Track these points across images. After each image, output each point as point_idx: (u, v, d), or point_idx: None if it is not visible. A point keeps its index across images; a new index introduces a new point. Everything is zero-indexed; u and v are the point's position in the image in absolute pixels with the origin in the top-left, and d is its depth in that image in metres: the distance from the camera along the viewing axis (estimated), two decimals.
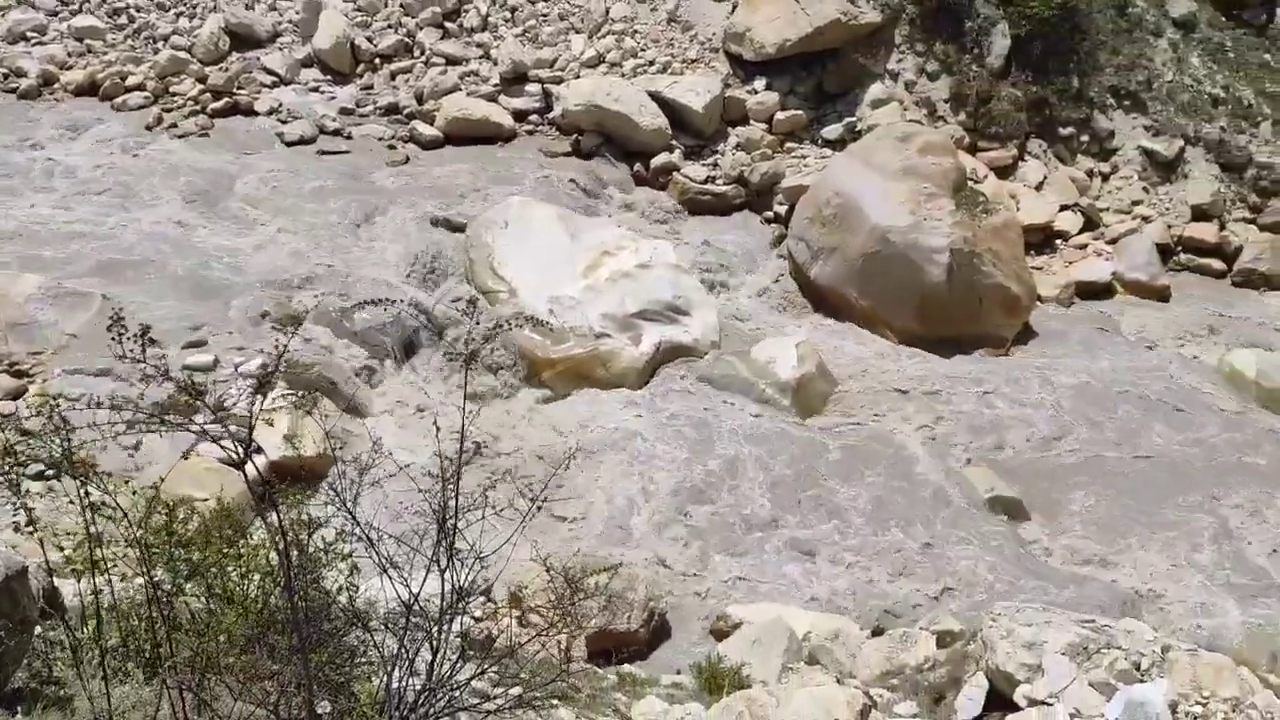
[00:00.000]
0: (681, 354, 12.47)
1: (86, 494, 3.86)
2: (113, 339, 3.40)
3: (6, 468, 4.04)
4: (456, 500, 3.48)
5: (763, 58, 16.57)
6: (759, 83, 16.62)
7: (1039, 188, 15.80)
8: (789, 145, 16.27)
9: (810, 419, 11.95)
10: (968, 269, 13.23)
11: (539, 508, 3.64)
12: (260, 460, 8.71)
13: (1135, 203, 15.85)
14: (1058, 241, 15.39)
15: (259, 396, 3.59)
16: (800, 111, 16.41)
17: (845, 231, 13.61)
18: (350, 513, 3.52)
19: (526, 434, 11.16)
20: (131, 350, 3.34)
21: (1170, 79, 16.53)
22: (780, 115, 16.33)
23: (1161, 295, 14.75)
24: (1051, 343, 13.65)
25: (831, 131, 16.22)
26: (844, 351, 13.13)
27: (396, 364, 12.10)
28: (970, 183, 14.36)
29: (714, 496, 10.62)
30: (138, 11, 17.63)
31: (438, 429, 3.86)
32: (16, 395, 10.65)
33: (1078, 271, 14.96)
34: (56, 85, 16.51)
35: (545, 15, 17.65)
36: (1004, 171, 15.88)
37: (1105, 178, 16.19)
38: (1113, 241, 15.34)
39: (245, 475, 3.40)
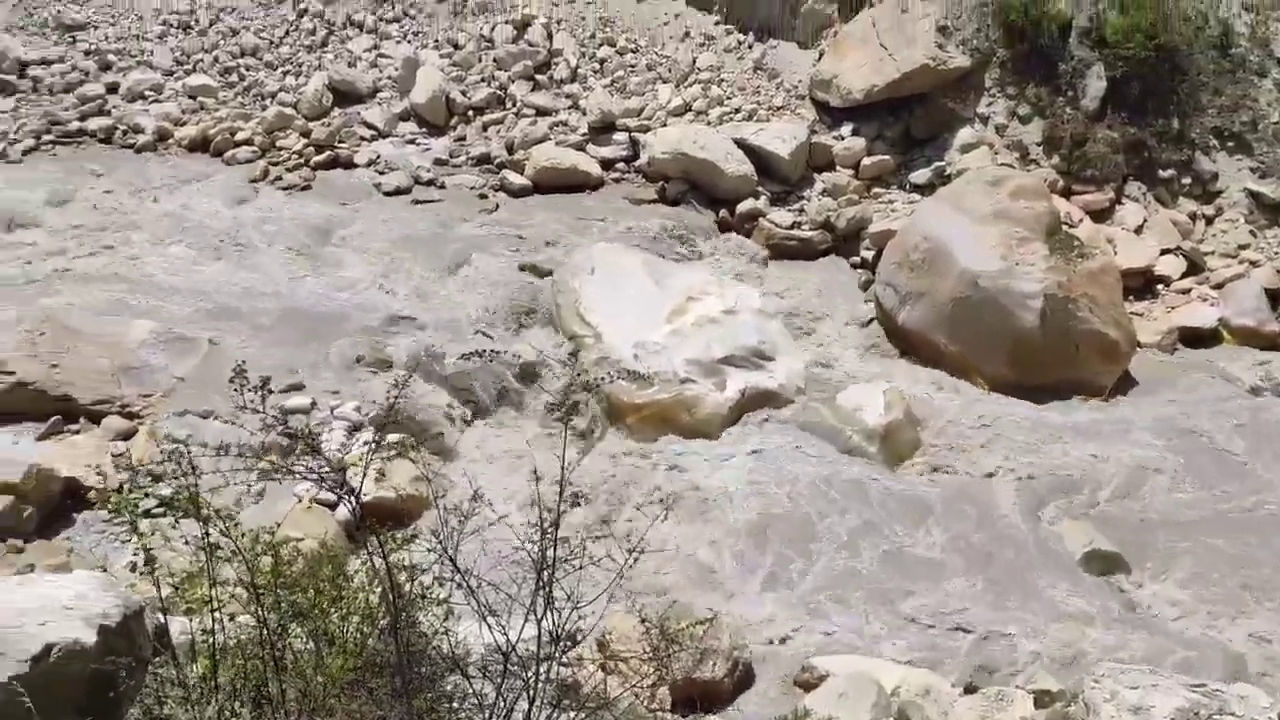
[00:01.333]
0: (767, 400, 12.46)
1: (206, 534, 4.03)
2: (234, 389, 3.58)
3: (127, 508, 4.24)
4: (555, 550, 3.56)
5: (849, 104, 16.62)
6: (845, 128, 16.66)
7: (1138, 231, 15.47)
8: (876, 190, 16.24)
9: (898, 467, 11.81)
10: (1062, 315, 13.00)
11: (636, 560, 3.70)
12: (339, 496, 8.98)
13: (1242, 246, 15.40)
14: (1159, 286, 15.01)
15: (358, 440, 3.74)
16: (887, 157, 16.39)
17: (934, 276, 13.51)
18: (451, 559, 3.63)
19: (615, 481, 11.23)
20: (251, 400, 3.52)
21: (1276, 120, 16.10)
22: (867, 161, 16.33)
23: (1272, 342, 14.26)
24: (1154, 390, 13.28)
25: (919, 176, 16.15)
26: (933, 398, 12.96)
27: (485, 409, 12.32)
28: (1065, 227, 14.14)
29: (799, 545, 10.55)
30: (248, 70, 18.45)
31: (537, 478, 3.95)
32: (127, 436, 11.14)
33: (1181, 317, 14.56)
34: (171, 140, 17.32)
35: (633, 66, 17.98)
36: (1100, 215, 15.59)
37: (1209, 220, 15.78)
38: (1218, 286, 14.90)
39: (354, 514, 3.53)
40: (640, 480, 11.26)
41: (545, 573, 3.55)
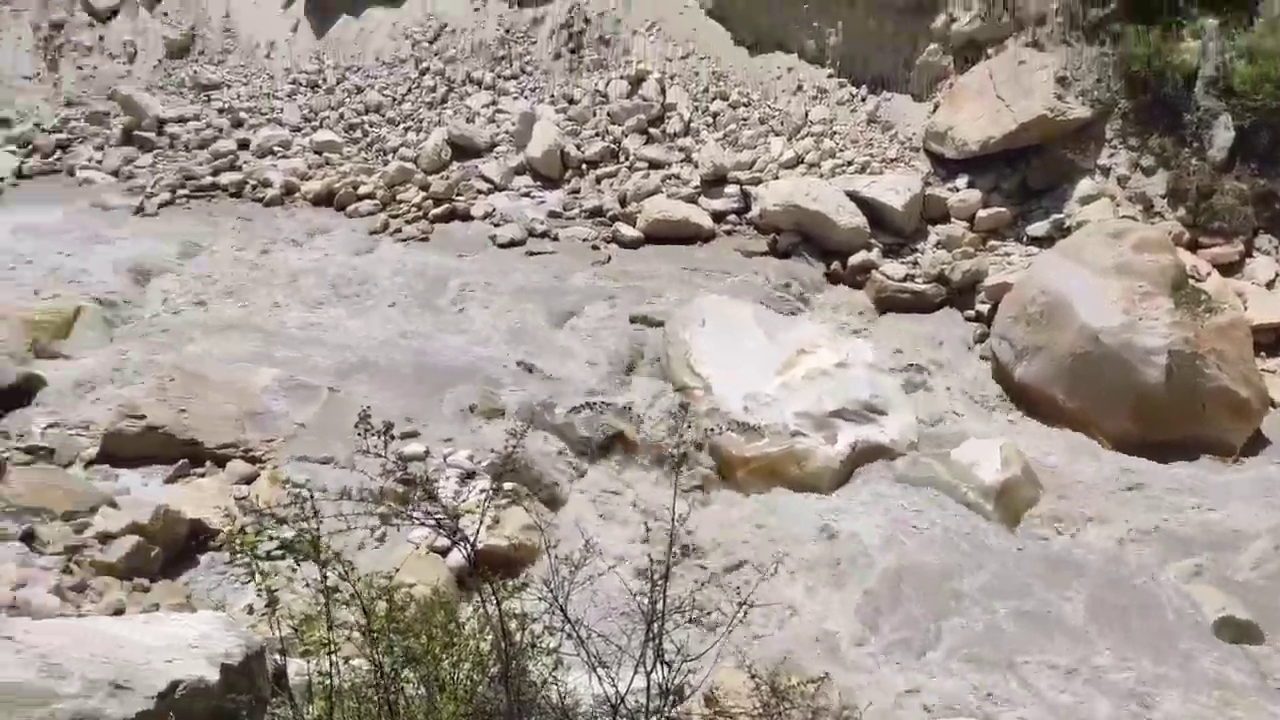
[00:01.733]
0: (879, 454, 12.23)
1: (325, 578, 4.13)
2: (359, 433, 3.68)
3: (250, 550, 4.37)
4: (664, 602, 3.54)
5: (965, 155, 16.41)
6: (961, 180, 16.44)
7: (1270, 286, 14.81)
8: (992, 243, 15.94)
9: (1017, 526, 11.43)
10: (1189, 371, 12.49)
11: (745, 614, 3.65)
12: (456, 545, 9.09)
13: None
14: None
15: (471, 487, 3.80)
16: (1004, 209, 16.09)
17: (1053, 330, 13.15)
18: (561, 609, 3.64)
19: (725, 534, 11.13)
20: (374, 445, 3.61)
21: None
22: (983, 213, 16.07)
23: None
24: None
25: (1037, 228, 15.79)
26: (1052, 455, 12.55)
27: (596, 459, 12.37)
28: (1191, 280, 13.61)
29: (913, 605, 10.25)
30: (371, 127, 19.20)
31: (648, 529, 3.94)
32: (249, 480, 11.48)
33: None
34: (297, 194, 18.09)
35: (745, 120, 18.11)
36: (1229, 269, 14.97)
37: None
38: None
39: (470, 561, 3.57)
40: (751, 534, 11.13)
41: (655, 625, 3.53)
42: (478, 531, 3.61)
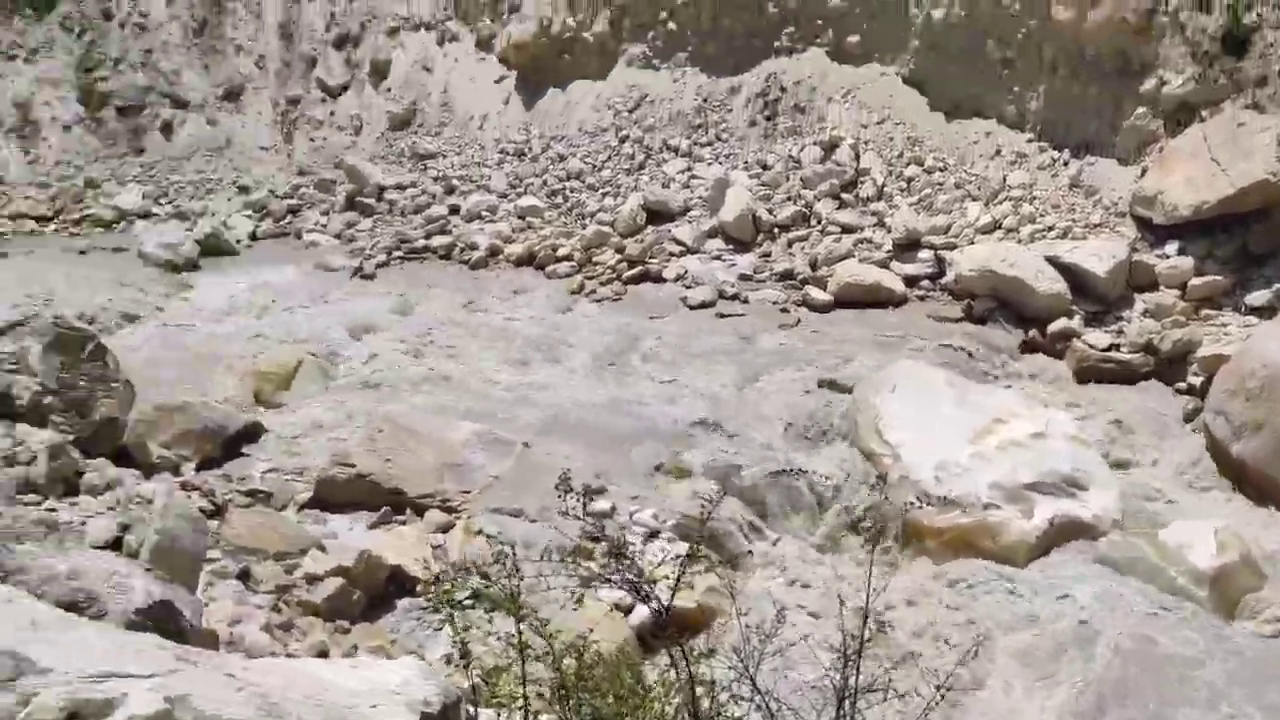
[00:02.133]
0: (1079, 532, 11.63)
1: (519, 633, 4.28)
2: (559, 494, 3.84)
3: (446, 600, 4.57)
4: (857, 678, 3.52)
5: (1175, 221, 15.63)
6: (1170, 247, 15.66)
7: None
8: (1205, 312, 15.06)
9: (1232, 616, 10.61)
10: None
11: (943, 696, 3.58)
12: (650, 608, 9.17)
13: None
14: None
15: (657, 545, 3.88)
16: (1219, 276, 15.20)
17: (1274, 405, 12.26)
18: (751, 679, 3.67)
19: (918, 609, 10.79)
20: (573, 507, 3.77)
21: None
22: (1195, 281, 15.22)
23: None
24: None
25: (1257, 298, 14.82)
26: (1274, 541, 11.63)
27: (780, 524, 12.30)
28: None
29: (1121, 699, 9.65)
30: (571, 193, 20.02)
31: (842, 603, 3.92)
32: (445, 529, 11.96)
33: None
34: (501, 256, 19.02)
35: (941, 185, 17.87)
36: None
37: None
38: None
39: (662, 624, 3.65)
40: (946, 611, 10.74)
41: (846, 702, 3.51)
42: (672, 595, 3.69)
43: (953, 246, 16.75)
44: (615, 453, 13.23)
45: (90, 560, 5.66)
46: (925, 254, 16.88)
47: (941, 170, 18.14)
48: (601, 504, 12.09)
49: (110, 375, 11.42)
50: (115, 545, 7.66)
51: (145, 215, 22.23)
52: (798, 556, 11.80)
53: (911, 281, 16.72)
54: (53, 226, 22.30)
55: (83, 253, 20.85)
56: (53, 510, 8.28)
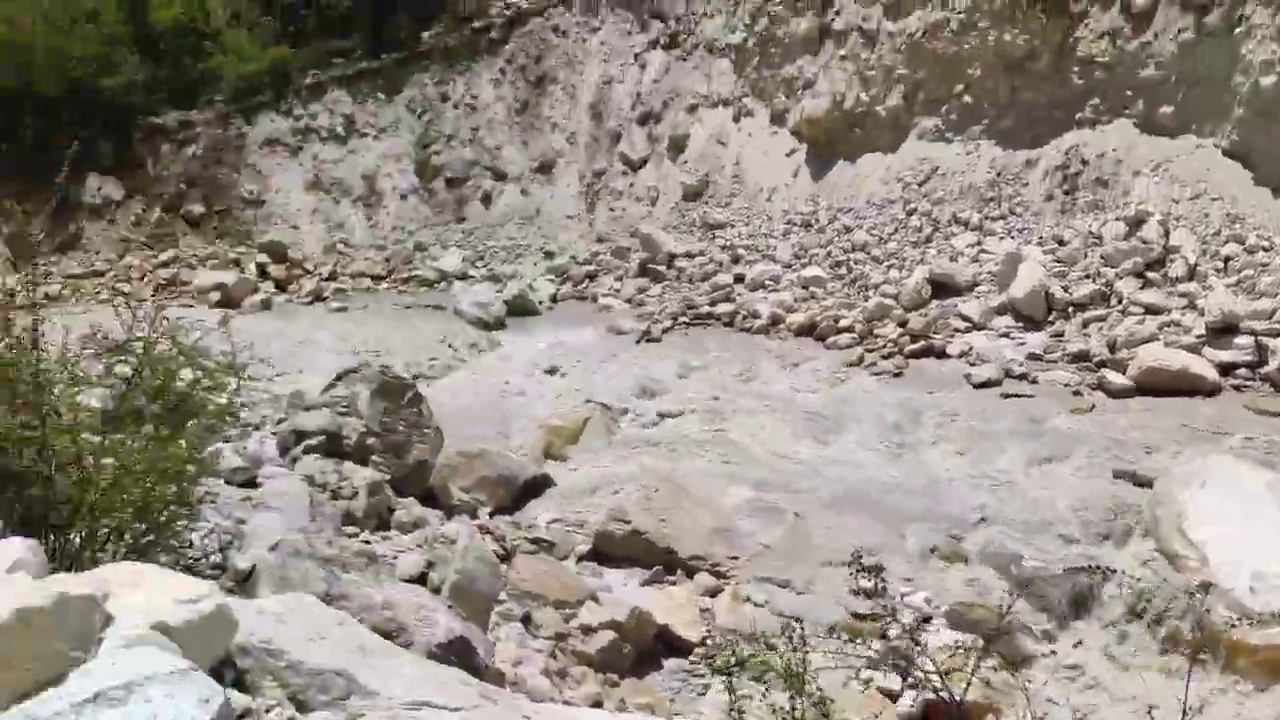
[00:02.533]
0: None
1: (801, 708, 4.35)
2: (851, 574, 3.94)
3: (724, 666, 4.73)
4: None
5: None
6: None
7: None
8: None
9: None
10: None
11: None
12: (915, 696, 8.95)
13: None
14: None
15: (932, 631, 3.88)
16: None
17: None
18: None
19: None
20: (866, 587, 3.85)
21: None
22: None
23: None
24: None
25: None
26: None
27: (1065, 622, 11.62)
28: None
29: None
30: (856, 264, 20.04)
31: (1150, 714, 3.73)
32: (714, 593, 12.15)
33: None
34: (782, 325, 19.28)
35: (1265, 266, 16.44)
36: None
37: None
38: None
39: (952, 714, 3.64)
40: None
41: None
42: (965, 689, 3.68)
43: (1277, 334, 15.33)
44: (889, 530, 12.99)
45: (401, 593, 6.26)
46: (1243, 340, 15.52)
47: (1266, 250, 16.68)
48: (869, 583, 11.92)
49: (424, 421, 12.52)
50: (420, 580, 8.36)
51: (463, 276, 24.30)
52: (1092, 661, 11.08)
53: (1226, 369, 15.42)
54: (385, 284, 24.82)
55: (408, 308, 23.05)
56: (368, 543, 9.18)
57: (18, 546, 2.30)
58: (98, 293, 22.36)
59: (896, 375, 17.16)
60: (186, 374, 4.90)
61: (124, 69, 26.12)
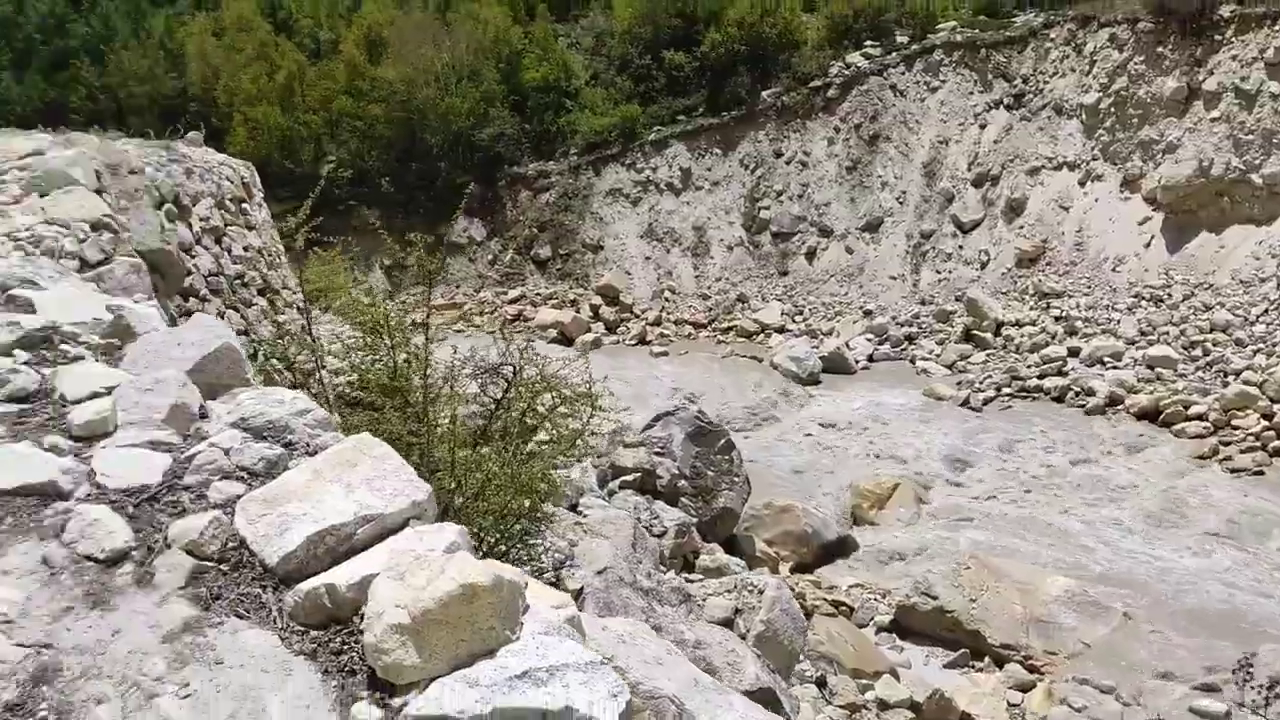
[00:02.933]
0: None
1: None
2: (1236, 682, 3.56)
3: None
4: None
5: None
6: None
7: None
8: None
9: None
10: None
11: None
12: None
13: None
14: None
15: None
16: None
17: None
18: None
19: None
20: (1253, 701, 3.47)
21: None
22: None
23: None
24: None
25: None
26: None
27: None
28: None
29: None
30: (1214, 346, 18.24)
31: None
32: (1025, 688, 11.33)
33: None
34: (1121, 406, 17.84)
35: None
36: None
37: None
38: None
39: None
40: None
41: None
42: None
43: None
44: (1231, 645, 11.62)
45: (710, 634, 6.33)
46: None
47: None
48: (1214, 705, 10.69)
49: (734, 469, 12.69)
50: (727, 624, 8.42)
51: (781, 330, 24.47)
52: None
53: None
54: (705, 333, 25.46)
55: (725, 358, 23.47)
56: (687, 580, 9.37)
57: (452, 530, 2.56)
58: (454, 323, 24.49)
59: (1257, 473, 15.37)
60: (546, 398, 5.25)
61: (496, 122, 28.75)
